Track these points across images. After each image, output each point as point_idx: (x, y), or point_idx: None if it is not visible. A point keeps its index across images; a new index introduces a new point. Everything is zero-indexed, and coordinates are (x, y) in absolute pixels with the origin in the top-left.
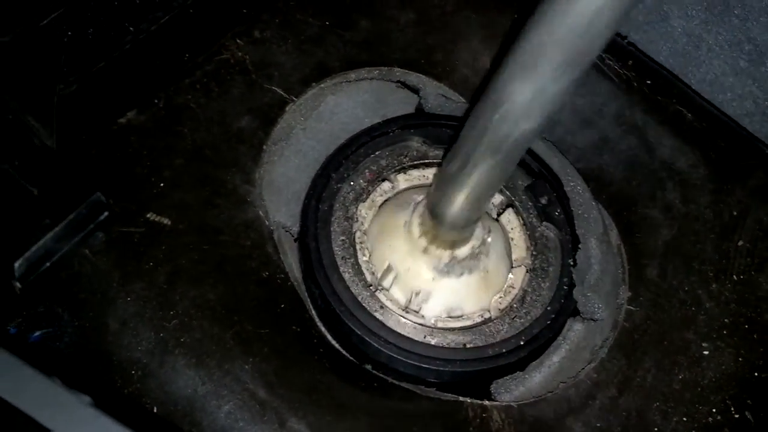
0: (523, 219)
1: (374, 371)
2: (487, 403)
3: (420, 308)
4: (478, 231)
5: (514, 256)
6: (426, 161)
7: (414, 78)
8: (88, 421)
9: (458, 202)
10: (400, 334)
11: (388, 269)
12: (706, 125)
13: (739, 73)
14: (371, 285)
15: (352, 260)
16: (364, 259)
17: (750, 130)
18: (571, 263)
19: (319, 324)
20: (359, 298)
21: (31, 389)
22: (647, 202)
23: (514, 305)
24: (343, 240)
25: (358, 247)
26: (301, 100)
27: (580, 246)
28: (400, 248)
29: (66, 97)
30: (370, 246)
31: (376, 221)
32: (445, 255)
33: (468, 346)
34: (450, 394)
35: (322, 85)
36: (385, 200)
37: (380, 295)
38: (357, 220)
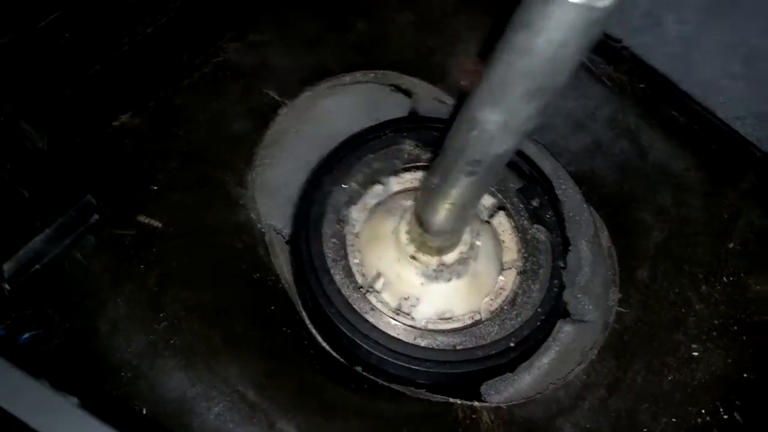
0: (514, 221)
1: (364, 373)
2: (476, 404)
3: (410, 312)
4: (466, 236)
5: (505, 259)
6: (419, 164)
7: (408, 81)
8: (74, 423)
9: (442, 212)
10: (390, 335)
11: (378, 275)
12: (698, 128)
13: (732, 77)
14: (362, 287)
15: (343, 263)
16: (355, 261)
17: (742, 134)
18: (562, 265)
19: (310, 326)
20: (350, 300)
21: (19, 391)
22: (639, 205)
23: (505, 307)
24: (334, 242)
25: (349, 249)
26: (294, 103)
27: (570, 248)
28: (389, 255)
29: (61, 99)
30: (361, 249)
31: (368, 225)
32: (433, 261)
33: (458, 347)
34: (440, 396)
35: (316, 89)
36: (377, 203)
37: (371, 297)
38: (348, 223)
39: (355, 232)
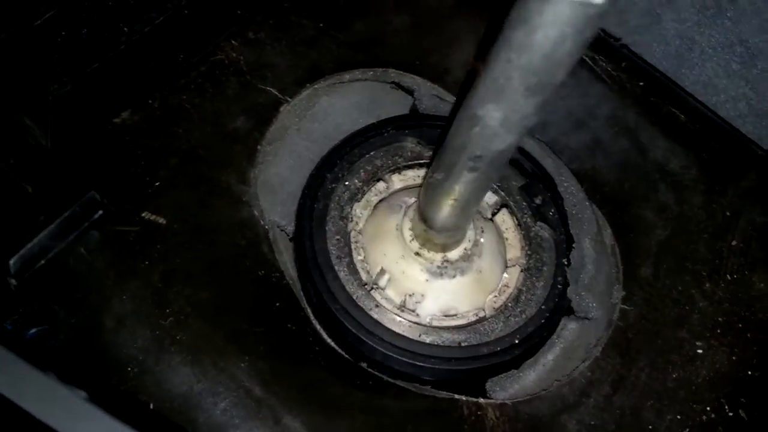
0: (517, 219)
1: (369, 369)
2: (481, 400)
3: (415, 308)
4: (470, 233)
5: (508, 256)
6: (421, 161)
7: (408, 79)
8: (83, 416)
9: (446, 208)
10: (395, 332)
11: (382, 272)
12: (699, 127)
13: (732, 75)
14: (366, 284)
15: (347, 259)
16: (359, 258)
17: (743, 132)
18: (566, 263)
19: (315, 322)
20: (354, 297)
21: (27, 384)
22: (641, 203)
23: (509, 304)
24: (338, 239)
25: (353, 246)
26: (295, 101)
27: (574, 246)
28: (393, 252)
29: (61, 96)
30: (365, 246)
31: (371, 222)
32: (438, 257)
33: (463, 344)
34: (445, 392)
35: (317, 86)
36: (380, 200)
37: (375, 294)
38: (352, 220)
39: (359, 228)
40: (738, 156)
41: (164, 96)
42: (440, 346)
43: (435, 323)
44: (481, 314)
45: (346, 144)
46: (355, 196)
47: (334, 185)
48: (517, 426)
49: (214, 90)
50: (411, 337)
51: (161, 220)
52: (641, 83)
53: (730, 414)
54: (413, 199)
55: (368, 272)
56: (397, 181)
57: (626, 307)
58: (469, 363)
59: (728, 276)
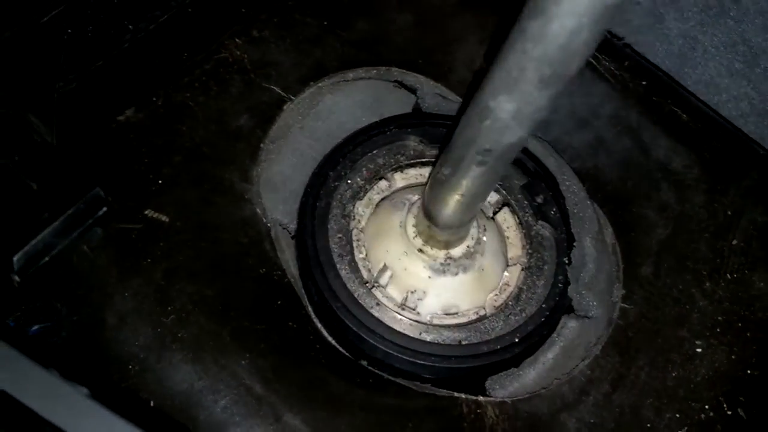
0: (518, 218)
1: (370, 367)
2: (481, 398)
3: (416, 306)
4: (473, 231)
5: (509, 255)
6: (423, 160)
7: (411, 78)
8: (85, 412)
9: (452, 204)
10: (395, 330)
11: (384, 268)
12: (701, 126)
13: (734, 75)
14: (368, 282)
15: (348, 257)
16: (361, 256)
17: (745, 131)
18: (566, 261)
19: (316, 320)
20: (356, 295)
21: (30, 381)
22: (642, 202)
23: (510, 303)
24: (340, 237)
25: (354, 244)
26: (299, 99)
27: (575, 244)
28: (396, 248)
29: (66, 94)
30: (366, 244)
31: (373, 220)
32: (441, 255)
33: (463, 342)
34: (445, 390)
35: (320, 85)
36: (382, 198)
37: (376, 292)
38: (354, 218)
39: (361, 227)
40: (740, 155)
41: (168, 94)
42: (440, 344)
43: (435, 321)
44: (482, 312)
45: (348, 142)
46: (358, 195)
47: (336, 183)
48: (517, 424)
49: (217, 88)
50: (411, 335)
51: (164, 218)
52: (644, 82)
53: (729, 413)
54: (417, 197)
55: (369, 270)
56: (400, 179)
57: (626, 305)
58: (469, 361)
59: (729, 275)
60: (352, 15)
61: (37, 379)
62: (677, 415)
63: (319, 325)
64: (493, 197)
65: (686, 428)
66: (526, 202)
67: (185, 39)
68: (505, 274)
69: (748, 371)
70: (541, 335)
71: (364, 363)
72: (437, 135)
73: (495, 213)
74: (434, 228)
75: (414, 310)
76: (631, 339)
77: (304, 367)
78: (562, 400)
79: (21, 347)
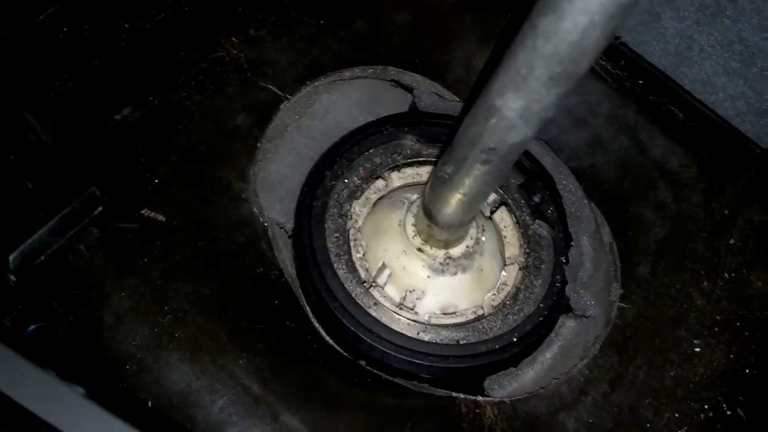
0: (516, 217)
1: (368, 367)
2: (480, 398)
3: (414, 305)
4: (473, 230)
5: (507, 254)
6: (420, 159)
7: (408, 77)
8: (81, 413)
9: (453, 203)
10: (393, 330)
11: (383, 267)
12: (697, 125)
13: (731, 74)
14: (365, 282)
15: (346, 257)
16: (358, 255)
17: (741, 131)
18: (564, 261)
19: (313, 320)
20: (353, 295)
21: (26, 381)
22: (639, 201)
23: (507, 302)
24: (337, 237)
25: (352, 244)
26: (295, 98)
27: (572, 244)
28: (395, 247)
29: (62, 93)
30: (364, 243)
31: (370, 219)
32: (440, 254)
33: (461, 342)
34: (443, 390)
35: (317, 84)
36: (379, 198)
37: (374, 292)
38: (351, 218)
39: (358, 226)
40: (737, 154)
41: (165, 93)
42: (438, 344)
43: (433, 321)
44: (480, 312)
45: (345, 141)
46: (354, 194)
47: (333, 183)
48: (515, 424)
49: (214, 87)
50: (409, 335)
51: (161, 217)
52: (640, 81)
53: (728, 412)
54: (416, 196)
55: (367, 270)
56: (396, 178)
57: (624, 305)
58: (467, 361)
59: (726, 274)
60: (349, 14)
61: (33, 379)
62: (676, 415)
63: (317, 325)
64: (490, 196)
65: (685, 428)
66: (523, 201)
67: (182, 38)
68: (503, 273)
69: (747, 370)
70: (540, 335)
71: (362, 363)
72: (434, 134)
73: (492, 212)
74: (434, 227)
75: (412, 309)
76: (630, 338)
77: (301, 366)
78: (561, 400)
79: (17, 347)
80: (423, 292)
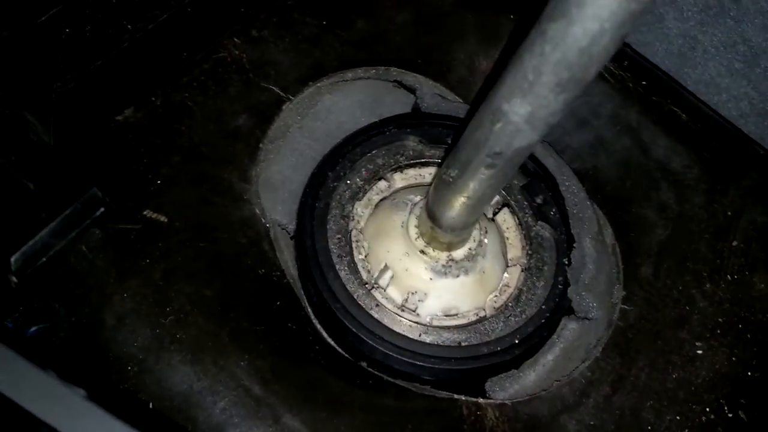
0: (518, 218)
1: (369, 369)
2: (481, 400)
3: (416, 307)
4: (475, 233)
5: (509, 256)
6: (422, 160)
7: (410, 78)
8: (82, 414)
9: (457, 206)
10: (395, 331)
11: (385, 269)
12: (701, 126)
13: (734, 75)
14: (367, 283)
15: (348, 258)
16: (360, 257)
17: (744, 132)
18: (566, 262)
19: (315, 321)
20: (355, 296)
21: (27, 382)
22: (642, 202)
23: (509, 304)
24: (339, 238)
25: (354, 245)
26: (297, 99)
27: (575, 245)
28: (398, 249)
29: (64, 93)
30: (366, 245)
31: (373, 220)
32: (443, 256)
33: (463, 344)
34: (445, 392)
35: (319, 84)
36: (382, 199)
37: (376, 294)
38: (353, 219)
39: (360, 227)
40: (739, 156)
41: (167, 93)
42: (440, 345)
43: (435, 323)
44: (482, 314)
45: (347, 142)
46: (357, 195)
47: (335, 184)
48: (517, 426)
49: (216, 88)
50: (411, 336)
51: (162, 218)
52: (643, 82)
53: (730, 415)
54: (419, 197)
55: (369, 271)
56: (399, 179)
57: (626, 307)
58: (468, 363)
59: (729, 276)
60: (352, 15)
61: (34, 380)
62: (678, 418)
63: (319, 326)
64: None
65: (687, 430)
66: (525, 202)
67: (184, 39)
68: (505, 275)
69: (749, 373)
70: (541, 337)
71: (364, 364)
72: (437, 135)
73: (495, 213)
74: (437, 229)
75: (414, 311)
76: (632, 340)
77: (303, 368)
78: (562, 402)
79: (19, 348)
80: (425, 294)
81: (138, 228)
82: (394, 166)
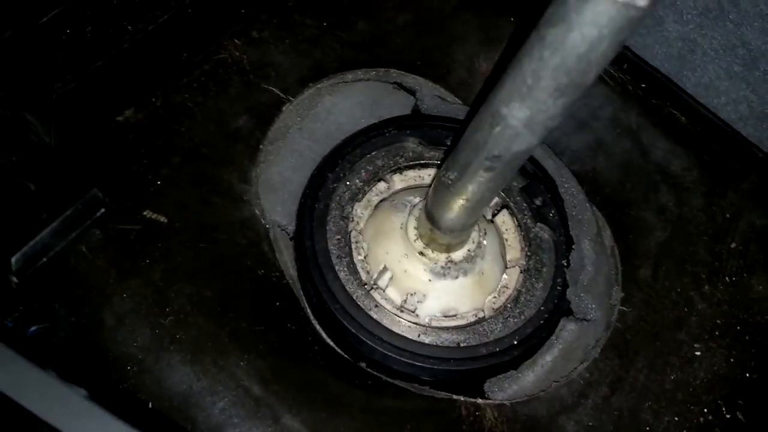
0: (517, 220)
1: (368, 369)
2: (480, 401)
3: (415, 308)
4: (474, 234)
5: (508, 257)
6: (422, 162)
7: (410, 79)
8: (82, 413)
9: (456, 209)
10: (394, 332)
11: (384, 270)
12: (700, 129)
13: (734, 78)
14: (366, 284)
15: (347, 259)
16: (360, 258)
17: (743, 134)
18: (565, 264)
19: (314, 322)
20: (354, 297)
21: (27, 382)
22: (641, 204)
23: (508, 305)
24: (338, 239)
25: (353, 246)
26: (297, 100)
27: (573, 247)
28: (397, 250)
29: (64, 94)
30: (365, 246)
31: (372, 221)
32: (442, 258)
33: (462, 345)
34: (443, 392)
35: (319, 86)
36: (381, 200)
37: (375, 294)
38: (353, 220)
39: (359, 228)
40: (738, 158)
41: (167, 94)
42: (439, 346)
43: (434, 324)
44: (480, 315)
45: (347, 144)
46: (356, 196)
47: (335, 185)
48: (515, 427)
49: (216, 89)
50: (410, 337)
51: (162, 219)
52: (643, 85)
53: (728, 416)
54: (418, 199)
55: (368, 272)
56: (398, 181)
57: (625, 308)
58: (467, 363)
59: (727, 278)
60: (352, 16)
61: (34, 380)
62: (676, 419)
63: (318, 327)
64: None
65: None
66: (524, 204)
67: (184, 39)
68: (504, 276)
69: (747, 374)
70: (540, 338)
71: (363, 365)
72: (436, 137)
73: (494, 215)
74: (436, 231)
75: (413, 312)
76: (630, 342)
77: (302, 368)
78: (561, 403)
79: (19, 348)
80: (424, 295)
81: (138, 228)
82: (393, 168)
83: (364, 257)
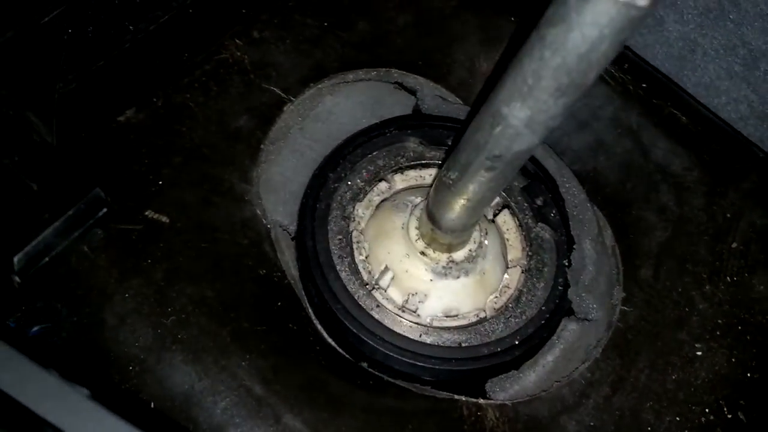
0: (518, 220)
1: (370, 369)
2: (481, 401)
3: (417, 308)
4: (476, 234)
5: (509, 257)
6: (423, 162)
7: (411, 79)
8: (84, 413)
9: (457, 209)
10: (396, 332)
11: (386, 270)
12: (700, 129)
13: (734, 77)
14: (368, 284)
15: (348, 259)
16: (361, 258)
17: (744, 134)
18: (566, 264)
19: (316, 322)
20: (356, 297)
21: (30, 381)
22: (642, 204)
23: (510, 305)
24: (340, 239)
25: (354, 246)
26: (299, 100)
27: (575, 247)
28: (398, 250)
29: (66, 94)
30: (366, 246)
31: (373, 221)
32: (443, 258)
33: (463, 345)
34: (445, 392)
35: (320, 86)
36: (382, 200)
37: (376, 294)
38: (354, 220)
39: (361, 228)
40: (739, 158)
41: (168, 94)
42: (441, 346)
43: (436, 324)
44: (482, 315)
45: (348, 144)
46: (358, 196)
47: (336, 185)
48: (517, 427)
49: (218, 89)
50: (411, 337)
51: (164, 219)
52: (644, 85)
53: (729, 416)
54: (420, 199)
55: (370, 272)
56: (400, 181)
57: (626, 308)
58: (469, 363)
59: (728, 278)
60: (353, 16)
61: (37, 380)
62: (677, 419)
63: (319, 327)
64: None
65: (686, 431)
66: (526, 204)
67: (186, 39)
68: (505, 276)
69: (748, 374)
70: (541, 338)
71: (365, 365)
72: (437, 137)
73: (495, 215)
74: (438, 231)
75: (414, 312)
76: (631, 342)
77: (304, 368)
78: (562, 403)
79: (21, 348)
80: (425, 295)
81: (139, 228)
82: (394, 168)
83: (366, 257)
